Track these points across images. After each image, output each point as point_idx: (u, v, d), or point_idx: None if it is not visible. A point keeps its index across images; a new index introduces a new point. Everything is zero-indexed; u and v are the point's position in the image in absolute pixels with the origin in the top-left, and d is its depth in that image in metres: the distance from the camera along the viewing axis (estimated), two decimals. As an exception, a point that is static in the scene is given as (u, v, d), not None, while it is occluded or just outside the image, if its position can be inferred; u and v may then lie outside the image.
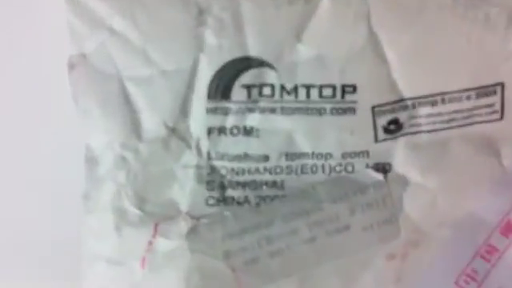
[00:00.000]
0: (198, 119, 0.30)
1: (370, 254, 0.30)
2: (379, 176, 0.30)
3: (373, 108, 0.29)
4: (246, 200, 0.30)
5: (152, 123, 0.30)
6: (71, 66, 0.30)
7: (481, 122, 0.29)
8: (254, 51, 0.29)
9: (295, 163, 0.30)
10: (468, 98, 0.29)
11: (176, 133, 0.30)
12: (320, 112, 0.29)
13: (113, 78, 0.30)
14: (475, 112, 0.29)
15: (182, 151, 0.30)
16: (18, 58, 0.33)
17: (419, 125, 0.29)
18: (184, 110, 0.30)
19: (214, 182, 0.30)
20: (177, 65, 0.30)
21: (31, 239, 0.35)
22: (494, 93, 0.29)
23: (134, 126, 0.30)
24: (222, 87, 0.30)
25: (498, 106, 0.29)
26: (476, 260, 0.29)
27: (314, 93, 0.29)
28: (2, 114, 0.34)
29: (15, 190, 0.35)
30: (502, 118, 0.29)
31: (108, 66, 0.30)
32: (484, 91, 0.29)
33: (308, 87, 0.29)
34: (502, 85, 0.29)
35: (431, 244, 0.30)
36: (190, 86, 0.30)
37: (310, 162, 0.30)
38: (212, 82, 0.30)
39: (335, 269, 0.30)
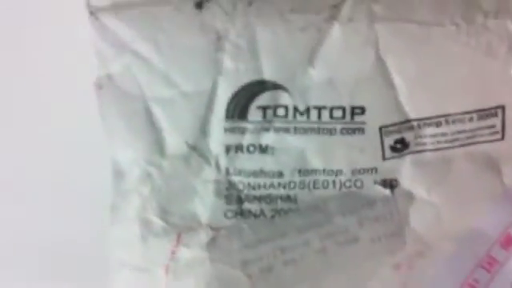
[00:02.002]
0: (217, 138, 0.33)
1: (377, 264, 0.33)
2: (386, 191, 0.33)
3: (380, 128, 0.32)
4: (262, 213, 0.34)
5: (174, 141, 0.33)
6: (99, 87, 0.33)
7: (483, 142, 0.32)
8: (268, 75, 0.32)
9: (308, 179, 0.33)
10: (470, 119, 0.32)
11: (196, 150, 0.33)
12: (331, 132, 0.33)
13: (137, 99, 0.33)
14: (477, 132, 0.32)
15: (202, 167, 0.33)
16: (52, 78, 0.37)
17: (424, 144, 0.33)
18: (204, 129, 0.33)
19: (232, 195, 0.34)
20: (197, 87, 0.33)
21: (33, 240, 0.39)
22: (495, 115, 0.32)
23: (158, 144, 0.33)
24: (239, 108, 0.33)
25: (499, 127, 0.32)
26: (478, 270, 0.33)
27: (325, 114, 0.33)
28: (40, 127, 0.38)
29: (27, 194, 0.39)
30: (503, 138, 0.32)
31: (133, 87, 0.33)
32: (485, 113, 0.32)
33: (319, 108, 0.32)
34: (503, 107, 0.32)
35: (436, 255, 0.33)
36: (209, 107, 0.33)
37: (321, 177, 0.33)
38: (230, 103, 0.33)
39: (344, 277, 0.33)
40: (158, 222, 0.34)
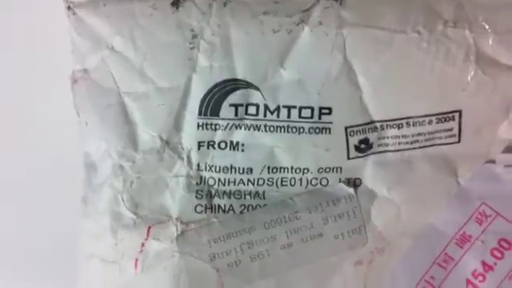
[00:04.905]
0: (190, 133, 0.35)
1: (340, 259, 0.36)
2: (350, 190, 0.35)
3: (346, 128, 0.35)
4: (231, 208, 0.36)
5: (147, 135, 0.35)
6: (74, 80, 0.35)
7: (441, 144, 0.35)
8: (241, 74, 0.35)
9: (276, 176, 0.35)
10: (430, 122, 0.35)
11: (169, 145, 0.35)
12: (299, 130, 0.35)
13: (112, 93, 0.35)
14: (436, 135, 0.35)
15: (174, 162, 0.35)
16: (27, 71, 0.39)
17: (386, 145, 0.35)
18: (177, 125, 0.35)
19: (203, 191, 0.35)
20: (171, 83, 0.35)
21: (31, 239, 0.40)
22: (453, 118, 0.35)
23: (131, 138, 0.35)
24: (212, 105, 0.35)
25: (456, 131, 0.35)
26: (434, 267, 0.35)
27: (295, 113, 0.35)
28: (13, 120, 0.40)
29: (18, 192, 0.40)
30: (459, 141, 0.35)
31: (108, 82, 0.35)
32: (444, 117, 0.35)
33: (289, 108, 0.35)
34: (460, 112, 0.35)
35: (395, 252, 0.35)
36: (182, 103, 0.35)
37: (289, 175, 0.35)
38: (203, 100, 0.35)
39: (308, 272, 0.35)
40: (128, 215, 0.35)
